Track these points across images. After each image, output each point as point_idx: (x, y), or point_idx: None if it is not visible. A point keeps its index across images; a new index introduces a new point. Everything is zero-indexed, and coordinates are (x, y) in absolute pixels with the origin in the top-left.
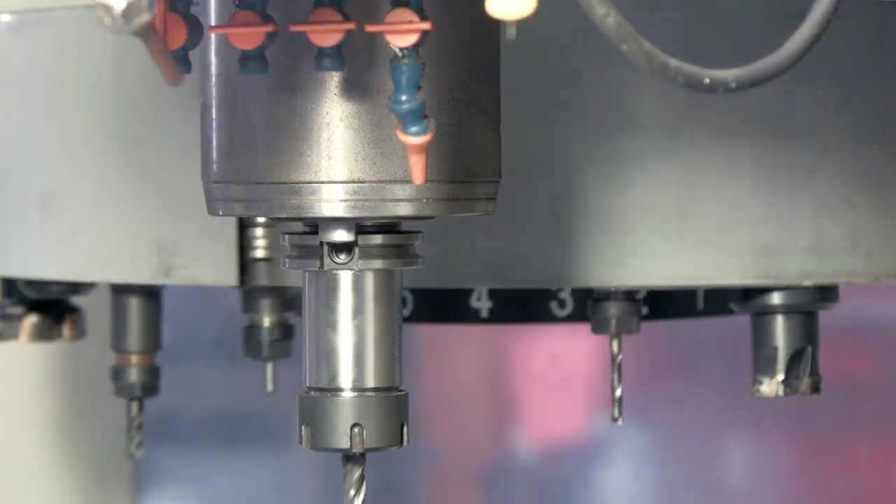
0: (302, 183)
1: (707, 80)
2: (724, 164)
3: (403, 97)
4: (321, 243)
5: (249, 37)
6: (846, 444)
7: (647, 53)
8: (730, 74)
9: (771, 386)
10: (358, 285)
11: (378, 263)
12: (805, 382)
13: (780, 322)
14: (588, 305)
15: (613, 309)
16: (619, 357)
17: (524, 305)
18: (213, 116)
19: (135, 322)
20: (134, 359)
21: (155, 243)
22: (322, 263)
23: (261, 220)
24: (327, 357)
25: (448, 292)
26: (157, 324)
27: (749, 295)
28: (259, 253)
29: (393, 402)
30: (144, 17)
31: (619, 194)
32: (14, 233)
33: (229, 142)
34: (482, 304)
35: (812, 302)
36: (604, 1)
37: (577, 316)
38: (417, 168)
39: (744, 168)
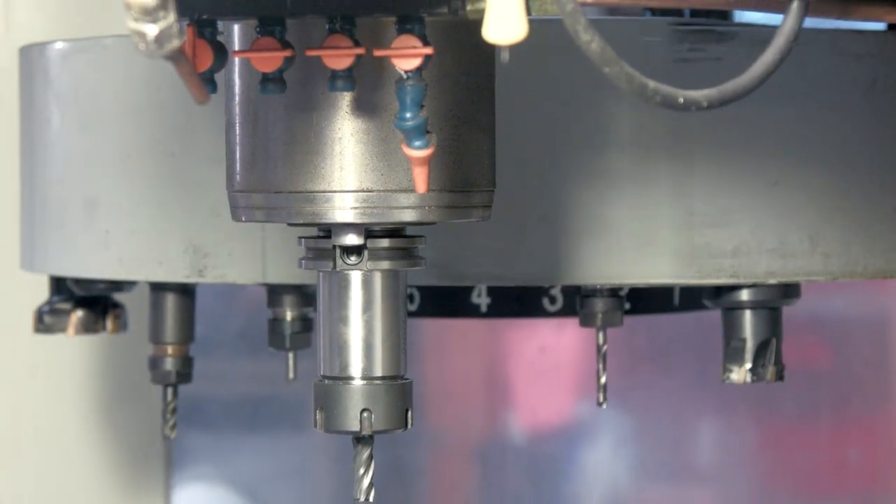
0: (317, 192)
1: (681, 100)
2: (698, 177)
3: (408, 115)
4: (334, 246)
5: (269, 61)
6: (806, 426)
7: (627, 76)
8: (701, 95)
9: (740, 374)
10: (367, 284)
11: (385, 265)
12: (770, 370)
13: (748, 316)
14: (576, 301)
15: (599, 304)
16: (605, 347)
17: (519, 301)
18: (237, 132)
19: (171, 316)
20: (170, 349)
21: (189, 246)
22: (335, 265)
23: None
24: (339, 348)
25: (452, 290)
26: (191, 318)
27: (720, 292)
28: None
29: (398, 389)
30: (175, 43)
31: (607, 203)
32: (62, 236)
33: (251, 155)
34: (482, 300)
35: (777, 298)
36: (588, 28)
37: (567, 311)
38: (421, 179)
39: (715, 181)
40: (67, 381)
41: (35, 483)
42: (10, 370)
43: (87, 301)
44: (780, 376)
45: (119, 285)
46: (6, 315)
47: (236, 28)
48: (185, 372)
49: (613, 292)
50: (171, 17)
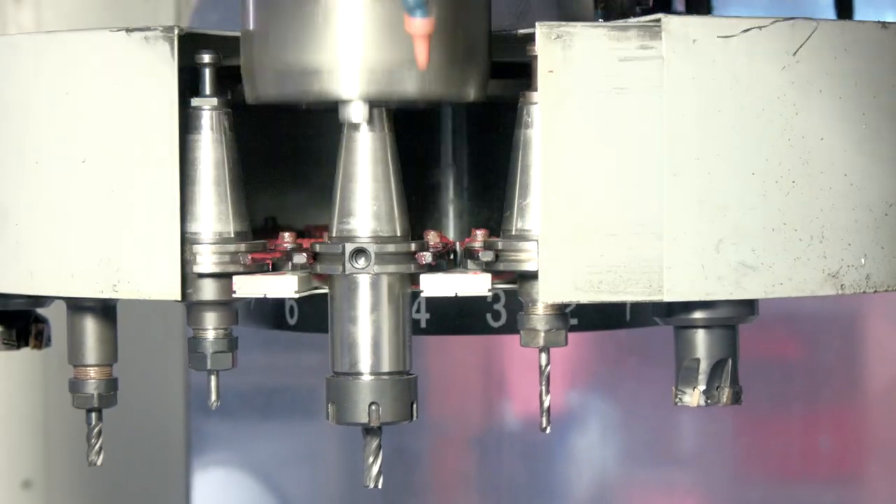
0: (323, 68)
1: None
2: None
3: None
4: (343, 251)
5: None
6: (779, 414)
7: None
8: None
9: (693, 396)
10: (374, 287)
11: (390, 268)
12: (726, 393)
13: (701, 335)
14: (518, 318)
15: (542, 322)
16: (548, 369)
17: (461, 317)
18: (250, 14)
19: (91, 336)
20: (92, 371)
21: (102, 259)
22: (344, 269)
23: (206, 237)
24: (349, 346)
25: None
26: (113, 337)
27: (672, 309)
28: (203, 268)
29: (404, 384)
30: None
31: None
32: None
33: (263, 35)
34: (420, 315)
35: (733, 316)
36: None
37: (512, 328)
38: (421, 53)
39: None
40: None
41: (62, 468)
42: (35, 363)
43: (7, 316)
44: (736, 399)
45: (37, 300)
46: None
47: None
48: (108, 394)
49: (558, 309)
50: None
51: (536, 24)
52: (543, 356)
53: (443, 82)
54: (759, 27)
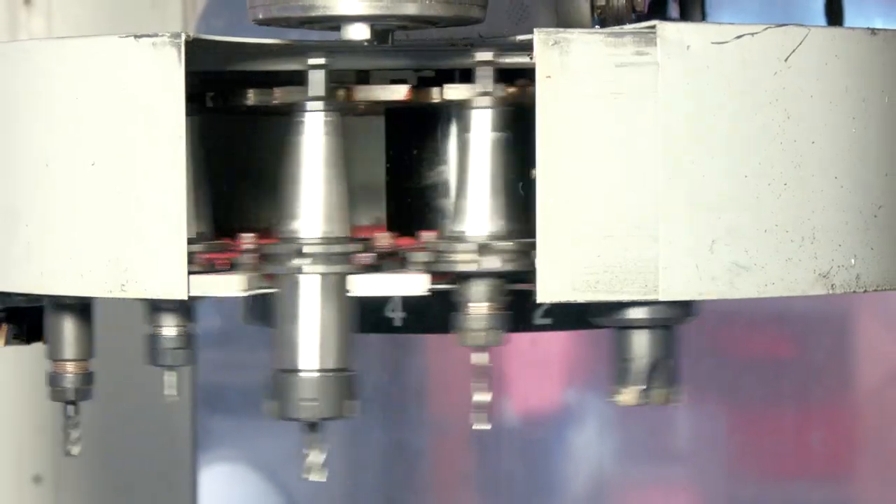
0: None
1: None
2: None
3: None
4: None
5: None
6: (771, 411)
7: None
8: None
9: (628, 395)
10: (315, 286)
11: (334, 268)
12: (662, 393)
13: (639, 335)
14: (453, 319)
15: (482, 322)
16: (487, 368)
17: (427, 315)
18: None
19: (69, 333)
20: (69, 366)
21: (110, 259)
22: (287, 268)
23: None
24: (289, 344)
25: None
26: (89, 333)
27: (610, 309)
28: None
29: (343, 381)
30: None
31: None
32: None
33: None
34: (396, 314)
35: (670, 317)
36: None
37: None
38: None
39: None
40: (99, 371)
41: (71, 464)
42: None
43: (18, 312)
44: (671, 399)
45: (39, 298)
46: None
47: None
48: (84, 388)
49: (496, 309)
50: None
51: (534, 30)
52: (480, 355)
53: (443, 3)
54: (752, 34)
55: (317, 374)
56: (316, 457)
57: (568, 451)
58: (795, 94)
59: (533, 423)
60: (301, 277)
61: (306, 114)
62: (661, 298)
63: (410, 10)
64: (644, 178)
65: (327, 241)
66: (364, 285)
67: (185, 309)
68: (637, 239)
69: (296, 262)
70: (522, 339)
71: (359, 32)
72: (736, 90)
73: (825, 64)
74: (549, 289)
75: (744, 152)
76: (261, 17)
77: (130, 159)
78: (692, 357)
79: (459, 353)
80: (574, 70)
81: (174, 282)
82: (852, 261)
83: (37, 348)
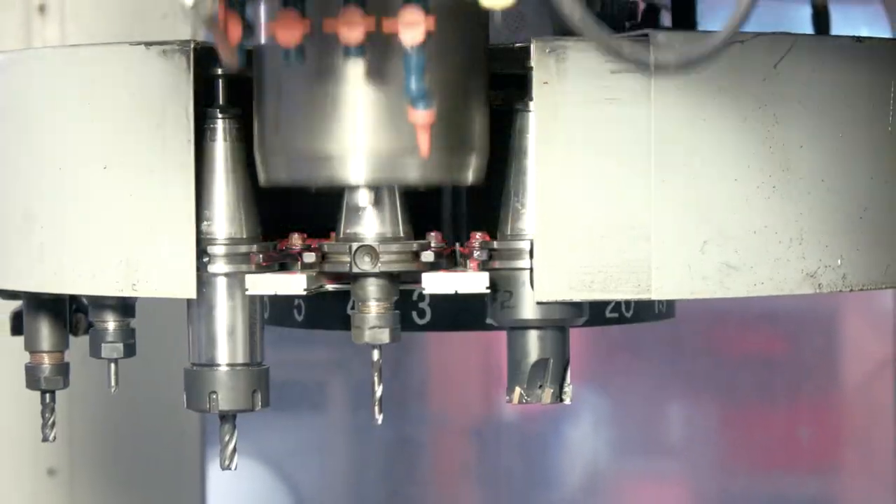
0: (332, 154)
1: (653, 59)
2: None
3: (413, 83)
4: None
5: (291, 34)
6: (762, 407)
7: (606, 41)
8: (670, 58)
9: (514, 394)
10: (219, 287)
11: (227, 268)
12: (547, 392)
13: (526, 336)
14: (352, 316)
15: (370, 321)
16: (379, 362)
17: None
18: (264, 100)
19: (45, 326)
20: (46, 357)
21: (122, 259)
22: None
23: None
24: (200, 340)
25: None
26: (63, 327)
27: (501, 310)
28: (216, 269)
29: (245, 374)
30: (209, 6)
31: None
32: (0, 248)
33: (275, 120)
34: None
35: (561, 318)
36: (574, 2)
37: (436, 325)
38: (423, 141)
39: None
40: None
41: (85, 458)
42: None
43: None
44: (559, 398)
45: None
46: None
47: (262, 3)
48: (57, 377)
49: (385, 309)
50: None
51: (532, 39)
52: (375, 352)
53: (443, 169)
54: (742, 41)
55: (220, 368)
56: (228, 445)
57: (564, 446)
58: (783, 100)
59: (530, 419)
60: (218, 279)
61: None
62: (654, 297)
63: (412, 177)
64: (637, 180)
65: (236, 241)
66: (431, 283)
67: (127, 306)
68: (630, 240)
69: (210, 265)
70: None
71: (363, 199)
72: (726, 96)
73: (812, 70)
74: (547, 288)
75: (733, 156)
76: (268, 178)
77: (141, 163)
78: (686, 355)
79: (458, 351)
80: (570, 76)
81: (184, 281)
82: (839, 261)
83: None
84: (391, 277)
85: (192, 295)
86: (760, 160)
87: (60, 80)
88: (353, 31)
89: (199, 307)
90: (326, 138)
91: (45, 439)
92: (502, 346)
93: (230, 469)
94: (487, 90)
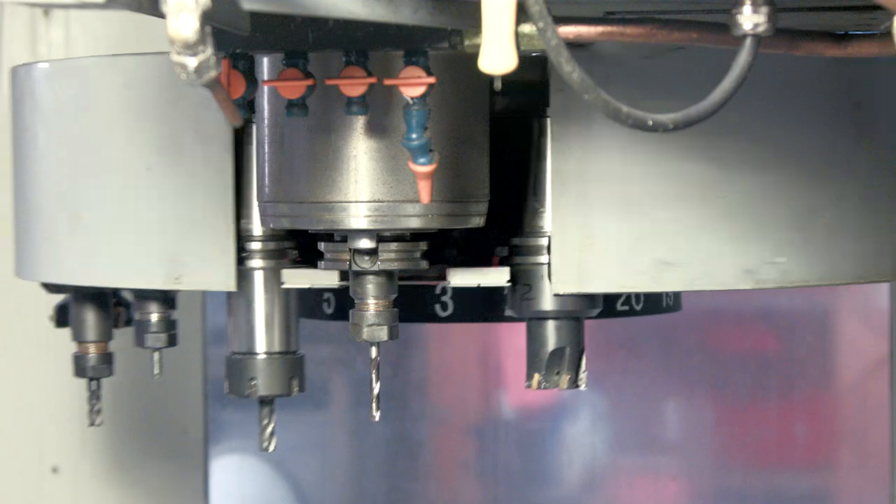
0: (334, 202)
1: (650, 122)
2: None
3: (414, 135)
4: (349, 249)
5: (294, 89)
6: (756, 405)
7: (604, 101)
8: (668, 118)
9: (534, 380)
10: (256, 280)
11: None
12: (564, 378)
13: (545, 326)
14: (350, 314)
15: (368, 318)
16: (377, 359)
17: (411, 308)
18: (266, 150)
19: (91, 318)
20: (91, 347)
21: (166, 255)
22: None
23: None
24: (239, 331)
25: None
26: (108, 319)
27: (521, 302)
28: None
29: (281, 362)
30: (212, 74)
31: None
32: (50, 246)
33: (278, 170)
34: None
35: (577, 309)
36: (570, 60)
37: (459, 317)
38: (425, 191)
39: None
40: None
41: (88, 455)
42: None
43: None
44: (574, 384)
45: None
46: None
47: (265, 60)
48: (103, 366)
49: (385, 307)
50: (209, 51)
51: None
52: (374, 349)
53: (444, 216)
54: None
55: (258, 356)
56: (268, 427)
57: (562, 442)
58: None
59: (529, 416)
60: (254, 273)
61: None
62: (585, 291)
63: (413, 223)
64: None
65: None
66: (456, 277)
67: (168, 299)
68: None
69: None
70: (520, 336)
71: (365, 243)
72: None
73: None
74: (563, 281)
75: (671, 154)
76: (271, 226)
77: (183, 165)
78: (681, 353)
79: (458, 348)
80: None
81: (225, 275)
82: (782, 258)
83: (51, 345)
84: (390, 276)
85: (234, 288)
86: (699, 158)
87: (103, 88)
88: (354, 87)
89: (238, 300)
90: (329, 189)
91: (91, 424)
92: (502, 345)
93: (268, 450)
94: (489, 136)
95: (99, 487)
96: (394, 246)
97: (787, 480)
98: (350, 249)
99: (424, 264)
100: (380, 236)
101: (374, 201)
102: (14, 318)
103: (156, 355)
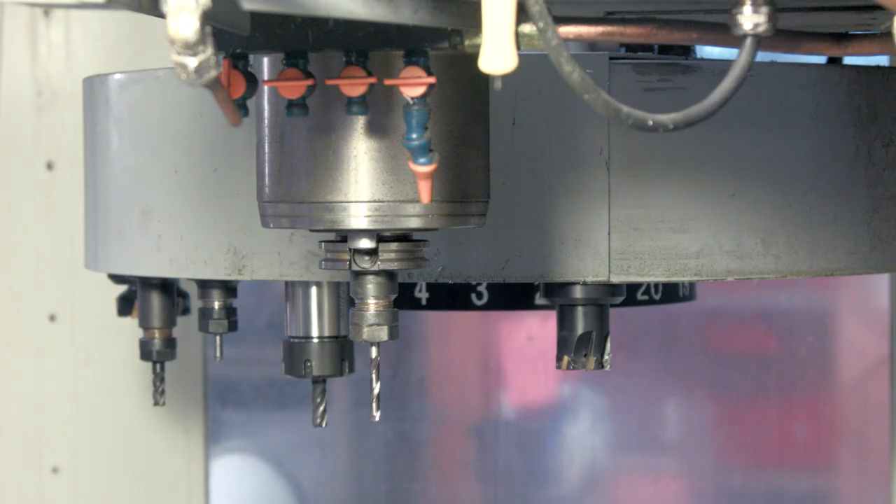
0: (335, 202)
1: (650, 122)
2: (666, 192)
3: (414, 135)
4: (349, 249)
5: (294, 89)
6: (757, 404)
7: (604, 101)
8: (668, 118)
9: (563, 361)
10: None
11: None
12: (591, 360)
13: (574, 312)
14: (351, 315)
15: (368, 318)
16: (377, 359)
17: (449, 297)
18: (266, 150)
19: (156, 306)
20: (157, 333)
21: (230, 248)
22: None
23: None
24: (295, 317)
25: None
26: (172, 307)
27: (553, 290)
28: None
29: (332, 345)
30: (212, 74)
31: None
32: (121, 240)
33: (278, 170)
34: (422, 294)
35: (602, 297)
36: (570, 61)
37: (493, 305)
38: (425, 191)
39: (680, 194)
40: (121, 367)
41: (88, 456)
42: (66, 358)
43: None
44: (599, 365)
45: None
46: (67, 309)
47: (265, 60)
48: (167, 350)
49: (384, 306)
50: (209, 51)
51: None
52: (374, 349)
53: (444, 216)
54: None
55: (311, 341)
56: (320, 406)
57: (563, 442)
58: None
59: (529, 416)
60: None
61: None
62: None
63: (413, 223)
64: None
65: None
66: None
67: (229, 288)
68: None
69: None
70: (519, 336)
71: (365, 243)
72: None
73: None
74: (589, 270)
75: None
76: (271, 226)
77: (245, 166)
78: (682, 353)
79: (458, 348)
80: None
81: (282, 266)
82: (767, 248)
83: (52, 346)
84: (390, 275)
85: (289, 278)
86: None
87: (174, 96)
88: (355, 87)
89: (295, 288)
90: (330, 189)
91: (156, 404)
92: (501, 343)
93: (321, 426)
94: (488, 136)
95: (99, 487)
96: (394, 246)
97: (788, 480)
98: (350, 249)
99: (425, 264)
100: (380, 236)
101: (374, 201)
102: (14, 318)
103: (217, 339)
